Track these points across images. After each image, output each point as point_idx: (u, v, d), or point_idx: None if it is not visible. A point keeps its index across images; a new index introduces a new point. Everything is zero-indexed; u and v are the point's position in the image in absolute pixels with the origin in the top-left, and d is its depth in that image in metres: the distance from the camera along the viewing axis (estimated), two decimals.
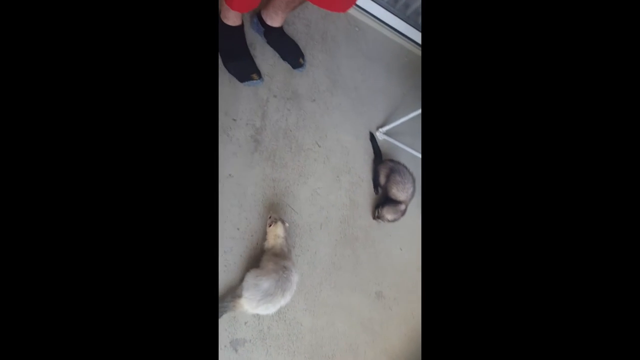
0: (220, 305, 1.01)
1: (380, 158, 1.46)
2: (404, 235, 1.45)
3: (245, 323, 1.07)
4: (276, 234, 1.12)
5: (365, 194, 1.42)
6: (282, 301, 1.04)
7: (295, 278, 1.07)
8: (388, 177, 1.38)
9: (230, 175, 1.17)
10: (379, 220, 1.38)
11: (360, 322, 1.26)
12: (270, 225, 1.13)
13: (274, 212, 1.20)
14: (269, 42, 1.37)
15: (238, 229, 1.13)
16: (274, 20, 1.30)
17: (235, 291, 1.04)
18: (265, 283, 1.01)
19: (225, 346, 1.03)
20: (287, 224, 1.15)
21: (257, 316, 1.09)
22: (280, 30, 1.35)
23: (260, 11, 1.32)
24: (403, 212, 1.38)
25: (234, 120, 1.23)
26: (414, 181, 1.38)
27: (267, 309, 1.03)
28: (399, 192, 1.35)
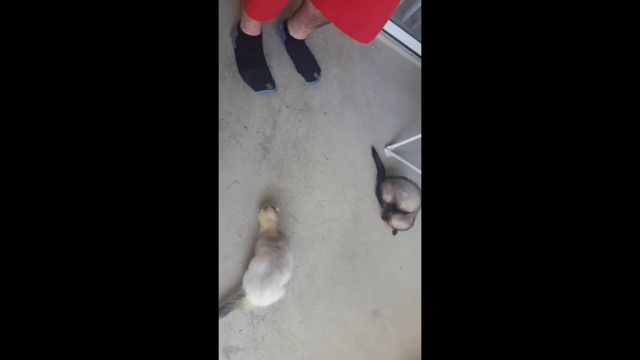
0: (225, 302, 1.02)
1: (383, 174, 1.46)
2: (405, 254, 1.44)
3: (240, 331, 1.07)
4: (269, 218, 1.14)
5: (369, 209, 1.42)
6: (283, 279, 1.05)
7: (290, 256, 1.10)
8: (394, 195, 1.39)
9: (237, 181, 1.18)
10: (387, 222, 1.41)
11: (355, 339, 1.25)
12: (261, 211, 1.16)
13: (267, 203, 1.22)
14: (288, 51, 1.39)
15: (240, 235, 1.14)
16: (296, 32, 1.32)
17: (237, 292, 1.05)
18: (261, 266, 1.03)
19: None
20: (278, 209, 1.18)
21: (252, 324, 1.09)
22: (301, 42, 1.37)
23: (287, 19, 1.35)
24: (412, 222, 1.43)
25: (245, 127, 1.24)
26: (420, 191, 1.41)
27: (273, 294, 1.04)
28: (409, 206, 1.39)
